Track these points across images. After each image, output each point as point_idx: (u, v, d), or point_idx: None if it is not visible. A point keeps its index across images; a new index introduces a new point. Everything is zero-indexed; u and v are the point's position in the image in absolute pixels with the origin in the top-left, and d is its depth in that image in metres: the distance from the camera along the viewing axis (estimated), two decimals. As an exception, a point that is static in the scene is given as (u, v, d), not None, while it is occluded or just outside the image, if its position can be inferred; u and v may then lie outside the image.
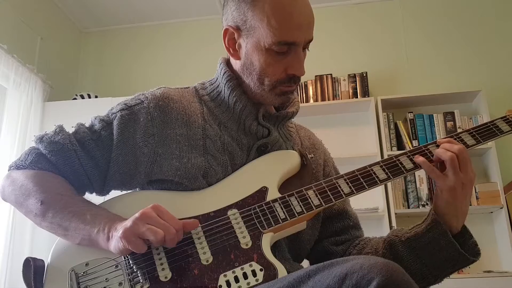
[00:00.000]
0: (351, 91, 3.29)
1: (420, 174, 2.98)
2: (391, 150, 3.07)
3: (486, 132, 0.98)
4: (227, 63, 1.05)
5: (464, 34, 3.45)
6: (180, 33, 3.87)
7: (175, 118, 0.97)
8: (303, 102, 3.29)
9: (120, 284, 0.81)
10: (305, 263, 1.05)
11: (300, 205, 0.89)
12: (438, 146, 0.95)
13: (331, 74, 3.33)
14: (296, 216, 0.88)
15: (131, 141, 0.95)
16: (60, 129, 0.97)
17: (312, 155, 1.09)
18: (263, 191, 0.92)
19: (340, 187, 0.92)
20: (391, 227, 2.90)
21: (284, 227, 0.88)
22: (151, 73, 3.77)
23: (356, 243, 1.07)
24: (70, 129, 0.99)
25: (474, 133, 0.98)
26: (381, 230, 2.97)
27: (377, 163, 0.95)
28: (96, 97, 3.49)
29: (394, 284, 0.61)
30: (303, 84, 3.34)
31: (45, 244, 2.14)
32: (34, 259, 0.84)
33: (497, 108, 3.10)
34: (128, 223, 0.79)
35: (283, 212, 0.89)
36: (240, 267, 0.81)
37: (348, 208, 1.12)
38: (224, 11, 1.01)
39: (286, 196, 0.91)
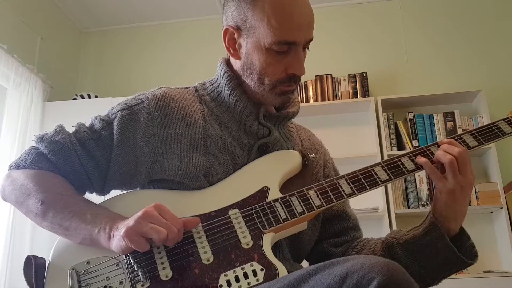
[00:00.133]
0: (351, 91, 3.28)
1: (420, 174, 2.98)
2: (391, 150, 3.06)
3: (488, 133, 0.98)
4: (227, 63, 1.05)
5: (464, 34, 3.45)
6: (180, 33, 3.87)
7: (176, 118, 0.97)
8: (303, 102, 3.29)
9: (121, 282, 0.81)
10: (305, 263, 1.05)
11: (301, 205, 0.89)
12: (439, 146, 0.95)
13: (331, 74, 3.33)
14: (297, 216, 0.88)
15: (131, 141, 0.95)
16: (61, 129, 0.97)
17: (314, 155, 1.09)
18: (264, 191, 0.92)
19: (342, 188, 0.92)
20: (391, 227, 2.90)
21: (285, 227, 0.88)
22: (151, 73, 3.77)
23: (354, 245, 1.07)
24: (70, 129, 0.98)
25: (476, 134, 0.98)
26: (381, 230, 2.97)
27: (379, 163, 0.95)
28: (96, 97, 3.48)
29: (394, 284, 0.61)
30: (303, 84, 3.34)
31: (45, 244, 2.15)
32: (36, 257, 0.84)
33: (497, 108, 3.11)
34: (130, 222, 0.79)
35: (284, 212, 0.89)
36: (240, 267, 0.81)
37: (347, 210, 1.12)
38: (224, 11, 1.01)
39: (287, 196, 0.91)
